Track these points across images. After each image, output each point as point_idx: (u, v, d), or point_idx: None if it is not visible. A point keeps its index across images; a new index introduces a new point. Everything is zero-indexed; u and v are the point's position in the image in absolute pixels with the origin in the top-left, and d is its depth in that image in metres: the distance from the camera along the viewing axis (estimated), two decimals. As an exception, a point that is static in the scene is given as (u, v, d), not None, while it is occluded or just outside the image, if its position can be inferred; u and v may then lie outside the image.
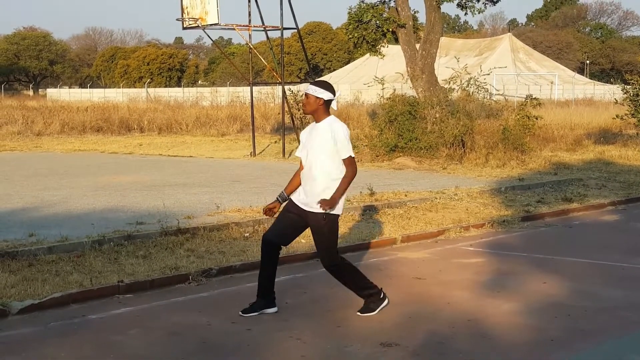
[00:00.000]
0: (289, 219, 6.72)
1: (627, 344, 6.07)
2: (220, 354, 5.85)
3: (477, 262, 9.13)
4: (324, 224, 6.53)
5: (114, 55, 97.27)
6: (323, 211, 6.45)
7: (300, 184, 6.69)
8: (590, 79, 79.90)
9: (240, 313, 6.76)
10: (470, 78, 20.28)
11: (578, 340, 6.13)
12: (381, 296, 6.85)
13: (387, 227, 10.86)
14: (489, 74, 20.34)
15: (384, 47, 22.30)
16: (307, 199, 6.57)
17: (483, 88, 20.41)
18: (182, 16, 22.23)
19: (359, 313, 6.78)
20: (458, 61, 20.07)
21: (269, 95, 42.20)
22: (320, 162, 6.52)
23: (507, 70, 59.95)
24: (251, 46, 23.29)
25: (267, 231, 6.82)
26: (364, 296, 6.85)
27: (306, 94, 6.63)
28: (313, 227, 6.64)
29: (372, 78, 21.62)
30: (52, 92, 73.60)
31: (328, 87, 6.63)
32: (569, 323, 6.59)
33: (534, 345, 6.02)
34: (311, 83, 6.73)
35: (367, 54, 23.56)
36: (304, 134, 6.84)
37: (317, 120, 6.64)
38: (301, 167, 6.70)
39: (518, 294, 7.55)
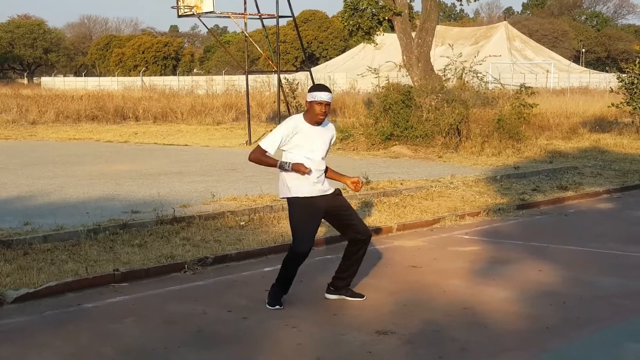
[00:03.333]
0: (318, 220, 6.70)
1: (622, 332, 6.09)
2: (216, 342, 5.85)
3: (472, 250, 9.14)
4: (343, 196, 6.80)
5: (109, 44, 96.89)
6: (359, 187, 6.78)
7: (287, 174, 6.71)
8: (586, 67, 79.84)
9: (268, 306, 6.68)
10: (464, 68, 20.25)
11: (573, 328, 6.14)
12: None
13: (382, 215, 10.86)
14: (483, 62, 20.29)
15: (378, 35, 22.26)
16: (324, 186, 6.67)
17: (477, 77, 20.37)
18: (178, 4, 22.17)
19: (349, 298, 6.90)
20: (453, 49, 20.01)
21: (265, 83, 42.08)
22: (325, 156, 6.74)
23: (503, 58, 59.98)
24: (247, 34, 23.22)
25: (301, 245, 6.59)
26: (349, 280, 6.98)
27: (329, 104, 6.55)
28: (343, 204, 6.74)
29: (367, 66, 21.59)
30: (46, 81, 73.35)
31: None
32: (564, 311, 6.60)
33: (529, 333, 6.03)
34: (324, 88, 6.62)
35: (363, 43, 23.50)
36: (294, 128, 6.58)
37: (322, 121, 6.65)
38: (264, 156, 6.60)
39: (513, 282, 7.57)
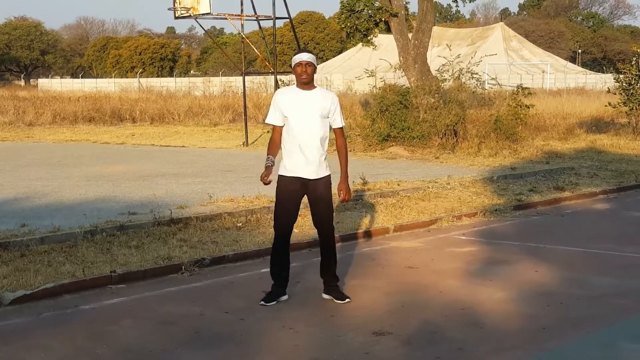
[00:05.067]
0: (294, 198, 6.75)
1: (619, 332, 6.10)
2: (214, 343, 5.85)
3: (469, 250, 9.15)
4: (329, 189, 6.80)
5: (106, 45, 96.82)
6: (345, 199, 6.82)
7: (282, 151, 6.76)
8: (582, 68, 79.95)
9: (262, 303, 6.73)
10: (461, 69, 20.26)
11: (570, 329, 6.15)
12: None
13: (379, 216, 10.87)
14: (479, 62, 20.31)
15: (375, 36, 22.26)
16: (312, 167, 6.67)
17: (474, 77, 20.39)
18: (174, 6, 22.15)
19: (337, 301, 6.85)
20: (450, 50, 20.04)
21: (262, 85, 42.08)
22: (318, 129, 6.67)
23: (499, 59, 60.00)
24: (243, 36, 23.23)
25: (280, 219, 6.76)
26: (336, 279, 6.99)
27: (309, 63, 6.64)
28: (321, 194, 6.73)
29: (364, 68, 21.62)
30: (43, 82, 73.26)
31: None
32: (561, 311, 6.61)
33: (526, 333, 6.04)
34: (305, 51, 6.80)
35: (360, 44, 23.51)
36: (283, 99, 6.75)
37: (309, 88, 6.71)
38: (277, 133, 6.74)
39: (510, 283, 7.58)
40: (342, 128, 6.86)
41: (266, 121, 6.84)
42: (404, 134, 19.12)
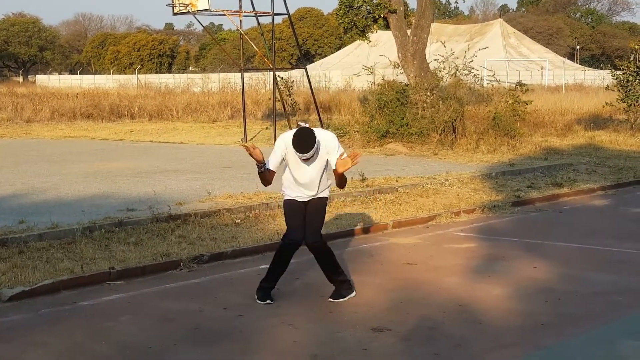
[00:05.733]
0: (301, 214, 6.79)
1: (617, 328, 6.11)
2: (212, 339, 5.86)
3: (468, 247, 9.16)
4: (323, 203, 6.86)
5: (104, 42, 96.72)
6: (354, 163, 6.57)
7: (283, 178, 6.87)
8: (581, 64, 79.93)
9: (258, 301, 6.75)
10: (457, 66, 20.25)
11: (568, 325, 6.16)
12: (351, 285, 7.01)
13: (378, 212, 10.87)
14: (474, 58, 20.29)
15: (372, 32, 22.26)
16: (312, 193, 6.77)
17: (471, 73, 20.36)
18: (173, 2, 22.12)
19: (330, 299, 6.84)
20: (445, 47, 20.01)
21: (260, 81, 42.05)
22: (317, 174, 6.66)
23: (498, 55, 59.97)
24: (242, 32, 23.21)
25: (291, 234, 6.78)
26: (337, 282, 6.93)
27: (308, 158, 6.47)
28: (317, 208, 6.80)
29: (362, 65, 21.62)
30: (41, 79, 73.19)
31: (309, 137, 6.42)
32: (560, 307, 6.62)
33: (524, 329, 6.05)
34: (301, 150, 6.40)
35: (359, 40, 23.52)
36: (285, 146, 6.59)
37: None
38: (271, 175, 6.69)
39: (509, 279, 7.58)
40: (340, 162, 6.54)
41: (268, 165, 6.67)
42: (403, 130, 19.12)
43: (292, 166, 6.69)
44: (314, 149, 6.40)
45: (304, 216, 6.82)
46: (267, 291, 6.83)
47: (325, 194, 6.87)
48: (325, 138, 6.62)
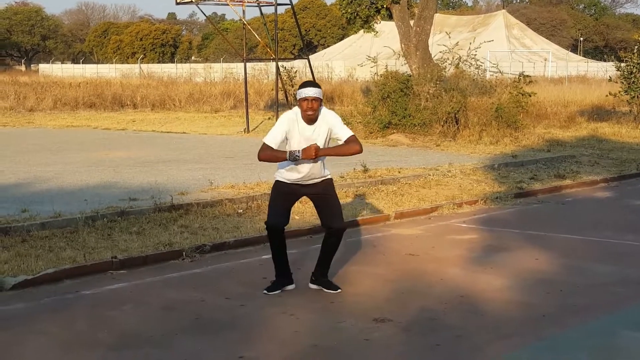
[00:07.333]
0: (285, 200, 6.71)
1: (618, 320, 6.11)
2: (214, 329, 5.87)
3: (470, 238, 9.16)
4: (331, 186, 6.74)
5: (107, 31, 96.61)
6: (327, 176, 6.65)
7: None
8: (584, 56, 79.75)
9: (265, 292, 6.74)
10: (460, 57, 20.22)
11: (570, 316, 6.17)
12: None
13: (380, 203, 10.88)
14: (479, 49, 20.26)
15: (377, 23, 22.23)
16: (311, 174, 6.59)
17: (474, 64, 20.33)
18: (175, -9, 22.11)
19: (328, 291, 6.83)
20: (450, 37, 19.99)
21: (263, 71, 42.04)
22: (323, 153, 6.49)
23: (501, 47, 59.84)
24: (245, 22, 23.18)
25: (269, 218, 6.68)
26: (323, 282, 6.91)
27: (315, 98, 6.35)
28: (329, 191, 6.68)
29: (366, 55, 21.59)
30: (44, 68, 73.09)
31: (316, 83, 6.69)
32: (561, 299, 6.63)
33: (525, 320, 6.05)
34: (311, 85, 6.46)
35: (362, 31, 23.48)
36: (289, 127, 6.50)
37: (313, 118, 6.48)
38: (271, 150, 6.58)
39: (510, 270, 7.59)
40: (352, 136, 6.51)
41: (265, 141, 6.48)
42: (405, 121, 19.11)
43: (294, 144, 6.48)
44: (320, 91, 6.44)
45: (291, 203, 6.75)
46: (277, 283, 6.83)
47: (328, 174, 6.73)
48: (326, 114, 6.56)
